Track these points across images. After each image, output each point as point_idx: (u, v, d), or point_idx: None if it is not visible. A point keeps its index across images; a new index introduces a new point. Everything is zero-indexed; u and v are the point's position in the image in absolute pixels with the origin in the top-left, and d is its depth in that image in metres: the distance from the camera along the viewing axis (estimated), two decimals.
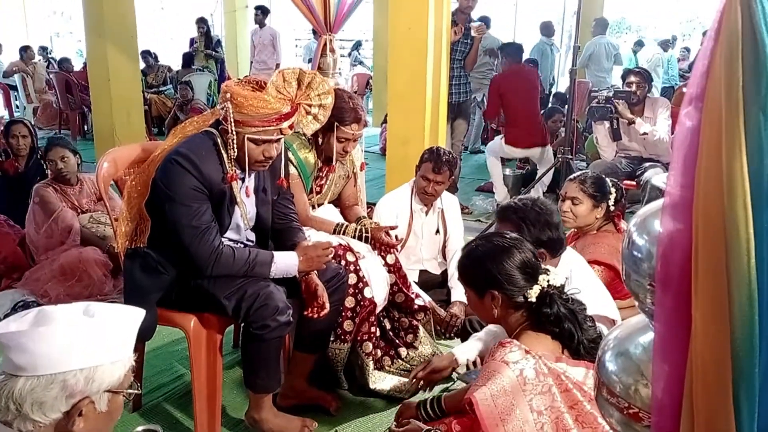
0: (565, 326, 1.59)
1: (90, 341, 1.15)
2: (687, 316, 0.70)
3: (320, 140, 2.65)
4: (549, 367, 1.50)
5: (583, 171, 2.71)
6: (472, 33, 5.20)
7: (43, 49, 12.44)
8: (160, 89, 9.35)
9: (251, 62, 9.16)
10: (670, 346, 0.72)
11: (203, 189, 2.05)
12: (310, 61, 9.41)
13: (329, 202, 2.88)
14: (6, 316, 3.28)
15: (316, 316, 2.22)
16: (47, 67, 10.46)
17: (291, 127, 2.12)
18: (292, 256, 2.16)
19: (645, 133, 4.42)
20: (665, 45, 10.49)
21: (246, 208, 2.24)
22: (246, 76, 2.28)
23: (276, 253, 2.16)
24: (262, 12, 8.78)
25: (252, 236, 2.34)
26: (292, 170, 2.62)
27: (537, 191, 5.46)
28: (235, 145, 2.07)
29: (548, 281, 1.64)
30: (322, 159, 2.70)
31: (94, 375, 1.15)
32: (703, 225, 0.68)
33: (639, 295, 0.84)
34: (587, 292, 1.85)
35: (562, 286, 1.66)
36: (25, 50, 10.28)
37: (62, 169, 3.68)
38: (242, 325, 2.16)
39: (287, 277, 2.24)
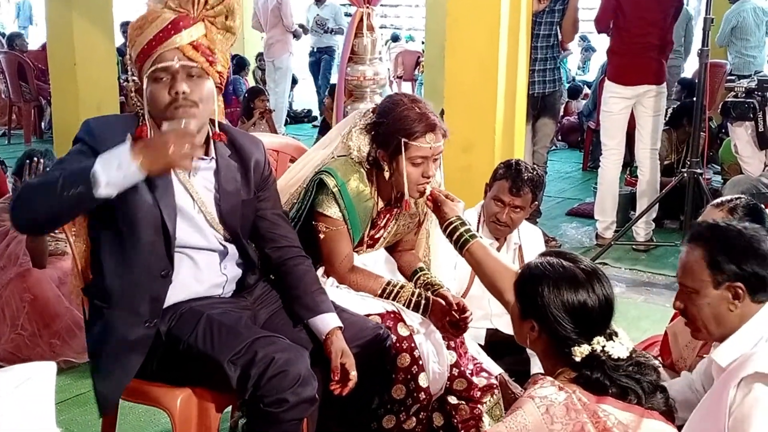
0: (611, 391, 1.66)
1: None
2: None
3: (387, 173, 2.52)
4: (584, 403, 1.60)
5: (733, 197, 2.69)
6: None
7: None
8: None
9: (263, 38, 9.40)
10: None
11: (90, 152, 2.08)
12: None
13: None
14: None
15: (337, 392, 2.24)
16: None
17: (196, 48, 2.13)
18: (123, 147, 1.97)
19: None
20: None
21: (200, 199, 2.25)
22: None
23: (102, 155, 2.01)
24: None
25: (222, 237, 2.31)
26: (334, 212, 2.51)
27: (649, 216, 5.39)
28: (136, 93, 2.17)
29: (603, 347, 1.68)
30: (394, 198, 2.62)
31: None
32: None
33: None
34: None
35: (624, 359, 1.70)
36: None
37: None
38: (249, 401, 2.18)
39: (313, 342, 2.29)
